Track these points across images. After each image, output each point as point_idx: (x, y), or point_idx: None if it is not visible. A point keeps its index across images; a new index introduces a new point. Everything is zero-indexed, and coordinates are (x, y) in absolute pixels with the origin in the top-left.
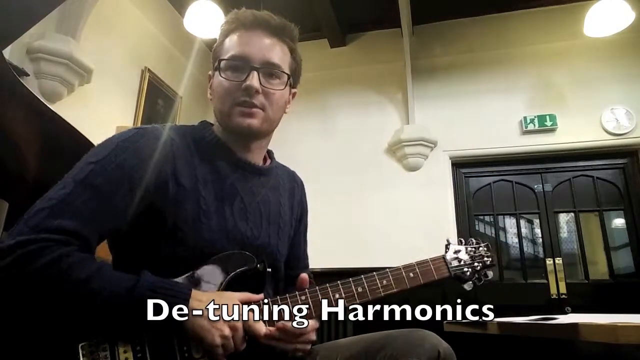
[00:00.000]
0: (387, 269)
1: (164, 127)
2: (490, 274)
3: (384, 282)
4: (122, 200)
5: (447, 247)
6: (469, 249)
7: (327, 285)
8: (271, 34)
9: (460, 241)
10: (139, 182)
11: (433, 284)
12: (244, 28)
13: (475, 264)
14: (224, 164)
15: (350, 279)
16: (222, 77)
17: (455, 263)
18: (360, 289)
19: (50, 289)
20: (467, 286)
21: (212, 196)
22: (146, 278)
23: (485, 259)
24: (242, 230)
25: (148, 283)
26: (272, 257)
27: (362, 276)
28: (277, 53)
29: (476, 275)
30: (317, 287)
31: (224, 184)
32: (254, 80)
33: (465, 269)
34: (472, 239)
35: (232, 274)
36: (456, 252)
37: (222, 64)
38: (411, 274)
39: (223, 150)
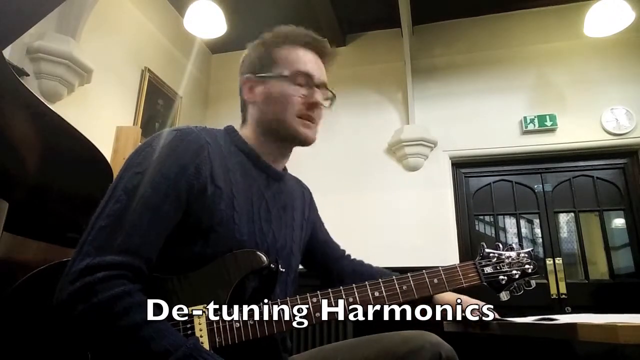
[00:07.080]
0: (409, 274)
1: (198, 129)
2: (533, 283)
3: (404, 287)
4: (171, 209)
5: (481, 251)
6: (507, 254)
7: (341, 288)
8: (321, 57)
9: (498, 246)
10: (183, 189)
11: (461, 291)
12: (300, 45)
13: (514, 271)
14: (252, 168)
15: (367, 282)
16: (287, 88)
17: (489, 270)
18: (377, 294)
19: (105, 323)
20: (503, 296)
21: (242, 198)
22: (194, 341)
23: (526, 266)
24: (266, 233)
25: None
26: (288, 259)
27: (380, 280)
28: (326, 75)
29: (514, 284)
30: (329, 290)
31: (252, 187)
32: (318, 97)
33: (501, 277)
34: (514, 244)
35: (245, 272)
36: (491, 257)
37: (288, 75)
38: (435, 280)
39: (251, 154)
